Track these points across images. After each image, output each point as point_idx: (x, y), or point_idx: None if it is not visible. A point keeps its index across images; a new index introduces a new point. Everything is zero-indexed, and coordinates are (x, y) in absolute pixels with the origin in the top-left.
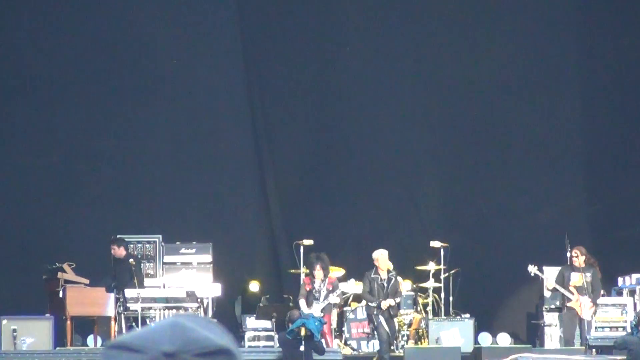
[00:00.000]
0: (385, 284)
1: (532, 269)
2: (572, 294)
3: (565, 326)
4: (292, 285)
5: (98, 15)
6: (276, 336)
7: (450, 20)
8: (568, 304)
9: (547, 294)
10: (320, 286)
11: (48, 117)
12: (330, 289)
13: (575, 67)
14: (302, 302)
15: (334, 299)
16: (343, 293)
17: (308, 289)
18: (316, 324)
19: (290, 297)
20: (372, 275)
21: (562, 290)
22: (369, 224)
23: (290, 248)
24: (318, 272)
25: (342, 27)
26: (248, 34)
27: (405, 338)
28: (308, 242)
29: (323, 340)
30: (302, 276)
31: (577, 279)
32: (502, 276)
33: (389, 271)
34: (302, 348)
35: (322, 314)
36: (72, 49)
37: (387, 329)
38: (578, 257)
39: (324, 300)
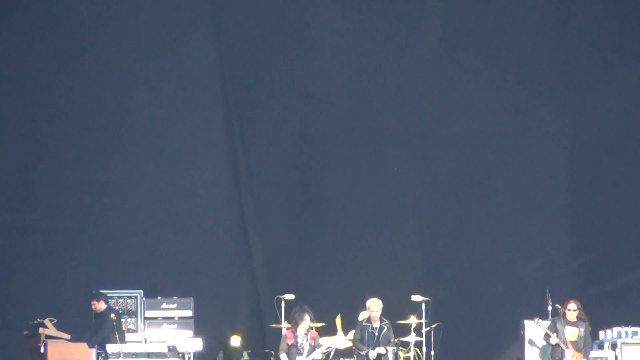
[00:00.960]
0: (377, 333)
1: (537, 321)
2: (568, 348)
3: None
4: (274, 340)
5: (74, 62)
6: None
7: (433, 69)
8: (565, 359)
9: (529, 348)
10: (303, 340)
11: (27, 172)
12: (313, 344)
13: (559, 117)
14: (283, 357)
15: (318, 354)
16: (328, 348)
17: (290, 342)
18: None
19: (272, 352)
20: (364, 324)
21: (562, 345)
22: (351, 278)
23: (272, 303)
24: (305, 323)
25: (325, 75)
26: (232, 91)
27: None
28: (289, 296)
29: None
30: (284, 330)
31: (572, 333)
32: (484, 330)
33: (382, 320)
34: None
35: None
36: (49, 101)
37: None
38: (575, 311)
39: (307, 355)
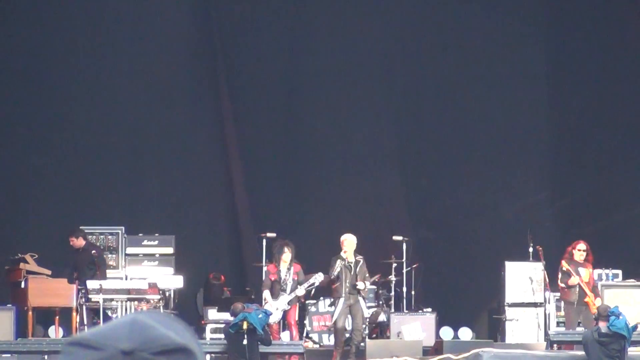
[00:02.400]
0: (353, 267)
1: (565, 265)
2: (584, 289)
3: (573, 319)
4: (255, 279)
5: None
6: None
7: (417, 12)
8: (585, 299)
9: (509, 289)
10: (286, 276)
11: (8, 110)
12: (296, 279)
13: (541, 58)
14: (267, 293)
15: (302, 291)
16: (311, 285)
17: (273, 278)
18: (259, 316)
19: (253, 290)
20: (341, 257)
21: (583, 285)
22: (333, 217)
23: (254, 241)
24: (286, 256)
25: (312, 33)
26: (217, 29)
27: (366, 332)
28: (271, 234)
29: (288, 332)
30: (264, 268)
31: (584, 274)
32: (464, 271)
33: (355, 254)
34: (244, 342)
35: (288, 306)
36: (31, 38)
37: (345, 320)
38: (585, 252)
39: (291, 292)
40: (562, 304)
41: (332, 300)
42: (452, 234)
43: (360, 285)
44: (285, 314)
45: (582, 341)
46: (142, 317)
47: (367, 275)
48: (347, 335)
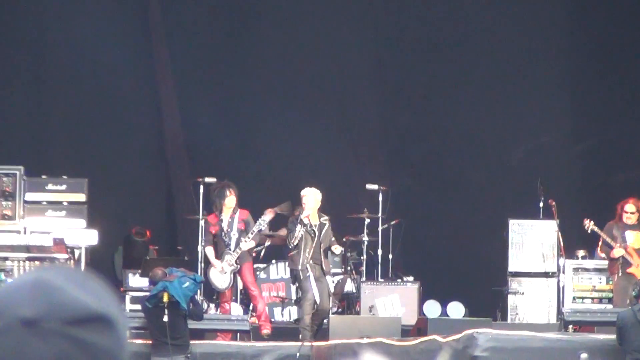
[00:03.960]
0: (317, 231)
1: (589, 225)
2: (631, 257)
3: (621, 295)
4: (188, 234)
5: None
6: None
7: None
8: (628, 270)
9: (513, 253)
10: (229, 227)
11: None
12: (243, 229)
13: None
14: (209, 252)
15: (247, 244)
16: (259, 228)
17: (214, 231)
18: (184, 285)
19: (185, 249)
20: (301, 220)
21: (628, 254)
22: (288, 160)
23: (188, 187)
24: (229, 200)
25: None
26: None
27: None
28: (210, 179)
29: (232, 305)
30: (202, 220)
31: (633, 239)
32: (456, 231)
33: (320, 215)
34: (165, 318)
35: (237, 266)
36: None
37: (316, 291)
38: (635, 214)
39: (236, 247)
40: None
41: (291, 273)
42: (441, 183)
43: (336, 249)
44: (236, 275)
45: (617, 322)
46: (49, 276)
47: (333, 239)
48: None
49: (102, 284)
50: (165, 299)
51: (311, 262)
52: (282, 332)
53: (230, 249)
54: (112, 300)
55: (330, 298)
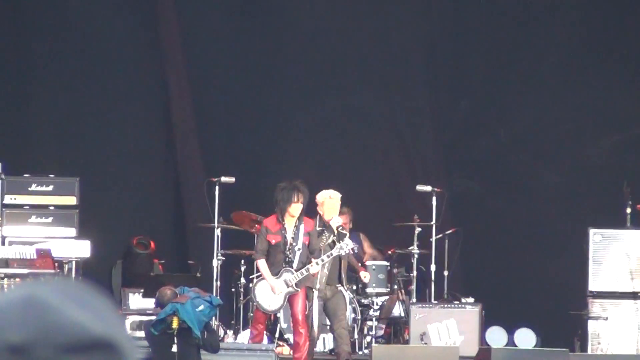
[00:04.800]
0: (335, 242)
1: None
2: None
3: None
4: (201, 246)
5: None
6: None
7: None
8: None
9: (594, 267)
10: (295, 239)
11: None
12: (308, 244)
13: None
14: (262, 265)
15: (316, 267)
16: (338, 253)
17: (274, 242)
18: (199, 309)
19: (197, 264)
20: (317, 229)
21: None
22: (320, 158)
23: (201, 189)
24: (295, 208)
25: None
26: None
27: (372, 332)
28: (228, 179)
29: (282, 332)
30: (216, 229)
31: None
32: (526, 243)
33: (341, 227)
34: (174, 348)
35: (296, 289)
36: None
37: (315, 314)
38: None
39: (299, 264)
40: None
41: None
42: (507, 185)
43: (364, 276)
44: (289, 300)
45: None
46: (42, 292)
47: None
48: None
49: (105, 301)
50: (175, 324)
51: (326, 279)
52: None
53: (291, 267)
54: (118, 322)
55: (347, 318)
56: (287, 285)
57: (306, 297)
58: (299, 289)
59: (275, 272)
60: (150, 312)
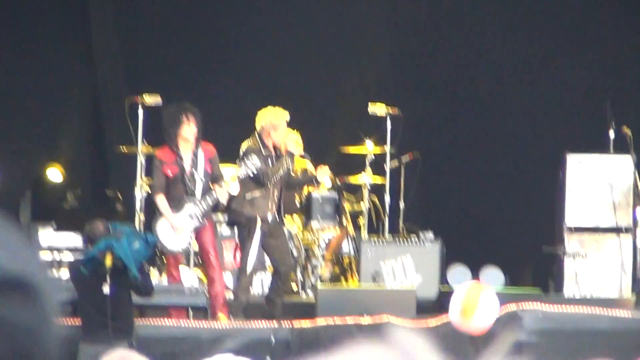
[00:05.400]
0: (285, 163)
1: None
2: None
3: None
4: (122, 175)
5: None
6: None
7: None
8: None
9: (571, 196)
10: (192, 166)
11: None
12: (210, 171)
13: None
14: (162, 201)
15: (223, 191)
16: (246, 172)
17: (172, 173)
18: (135, 246)
19: (118, 194)
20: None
21: None
22: (261, 74)
23: (122, 109)
24: (188, 130)
25: None
26: None
27: (317, 271)
28: (152, 98)
29: (182, 269)
30: (140, 154)
31: None
32: (494, 170)
33: (288, 152)
34: (106, 290)
35: (202, 222)
36: None
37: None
38: None
39: (203, 194)
40: None
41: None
42: (473, 105)
43: (321, 173)
44: (196, 236)
45: None
46: None
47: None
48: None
49: (21, 237)
50: (109, 262)
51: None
52: (252, 309)
53: (195, 198)
54: (35, 260)
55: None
56: (192, 218)
57: (214, 231)
58: (205, 222)
59: (177, 206)
60: (64, 247)
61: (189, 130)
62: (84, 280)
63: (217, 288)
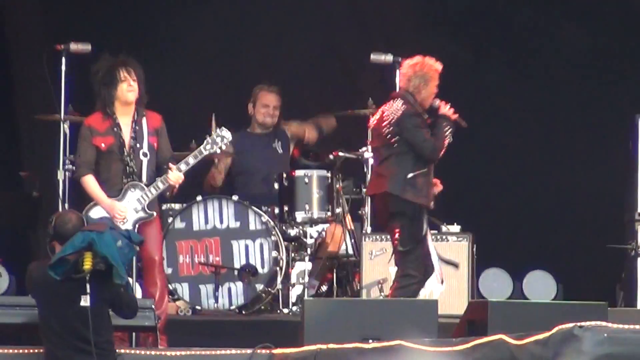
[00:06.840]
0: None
1: None
2: None
3: None
4: (39, 149)
5: None
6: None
7: None
8: None
9: None
10: (135, 137)
11: None
12: (156, 146)
13: None
14: (90, 183)
15: (177, 174)
16: (200, 153)
17: (104, 146)
18: (118, 244)
19: (34, 176)
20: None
21: None
22: (234, 21)
23: (41, 64)
24: (124, 92)
25: None
26: None
27: (304, 279)
28: (80, 47)
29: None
30: (63, 123)
31: None
32: (538, 140)
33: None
34: (84, 302)
35: (150, 214)
36: None
37: None
38: None
39: (152, 178)
40: None
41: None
42: (510, 53)
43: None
44: (138, 232)
45: None
46: None
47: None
48: None
49: None
50: (88, 264)
51: None
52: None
53: (140, 181)
54: None
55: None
56: (136, 212)
57: (160, 227)
58: (153, 214)
59: (116, 191)
60: None
61: (129, 90)
62: (53, 289)
63: (161, 308)
